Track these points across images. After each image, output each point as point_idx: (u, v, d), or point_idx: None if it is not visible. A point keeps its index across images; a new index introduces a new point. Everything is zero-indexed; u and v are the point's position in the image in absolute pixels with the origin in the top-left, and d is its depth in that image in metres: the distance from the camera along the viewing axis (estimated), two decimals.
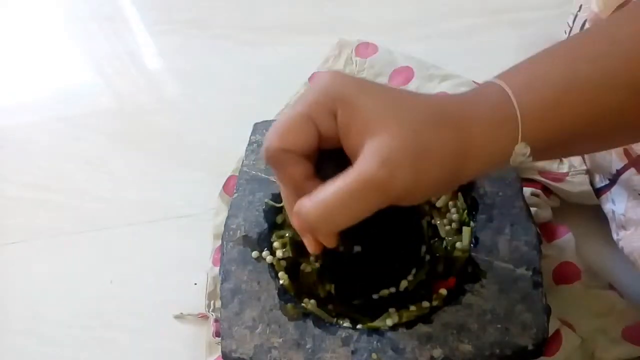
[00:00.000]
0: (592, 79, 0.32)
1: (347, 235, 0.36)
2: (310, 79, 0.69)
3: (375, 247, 0.44)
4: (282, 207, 0.51)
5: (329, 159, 0.35)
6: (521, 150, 0.32)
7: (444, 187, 0.34)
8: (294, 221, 0.35)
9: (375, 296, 0.47)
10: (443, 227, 0.49)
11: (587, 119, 0.33)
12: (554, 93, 0.32)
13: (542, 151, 0.33)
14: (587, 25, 0.52)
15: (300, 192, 0.34)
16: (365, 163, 0.30)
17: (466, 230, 0.47)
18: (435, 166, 0.31)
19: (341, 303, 0.47)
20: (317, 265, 0.48)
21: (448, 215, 0.49)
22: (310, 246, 0.38)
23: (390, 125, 0.31)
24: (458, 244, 0.47)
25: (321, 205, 0.31)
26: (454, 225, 0.48)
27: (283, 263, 0.48)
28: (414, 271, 0.47)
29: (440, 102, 0.34)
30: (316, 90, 0.33)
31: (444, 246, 0.48)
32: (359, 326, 0.44)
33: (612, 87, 0.32)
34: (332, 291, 0.48)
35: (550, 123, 0.32)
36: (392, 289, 0.47)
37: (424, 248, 0.48)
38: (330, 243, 0.36)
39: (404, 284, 0.47)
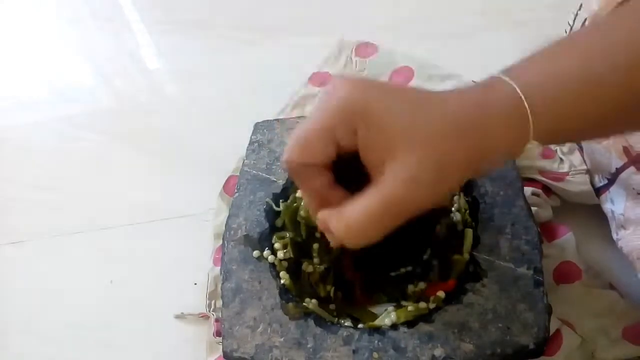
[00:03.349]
0: (607, 77, 0.32)
1: None
2: (310, 79, 0.69)
3: (386, 249, 0.42)
4: (281, 211, 0.51)
5: (345, 161, 0.35)
6: (531, 150, 0.35)
7: (458, 187, 0.37)
8: (320, 226, 0.36)
9: (393, 274, 0.48)
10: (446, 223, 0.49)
11: (600, 115, 0.33)
12: (567, 91, 0.32)
13: (549, 142, 0.36)
14: (587, 24, 0.52)
15: (323, 201, 0.35)
16: (389, 184, 0.32)
17: (468, 232, 0.47)
18: (455, 175, 0.33)
19: (342, 301, 0.47)
20: (322, 268, 0.48)
21: (450, 215, 0.49)
22: (333, 243, 0.39)
23: (413, 145, 0.32)
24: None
25: (352, 226, 0.33)
26: (458, 226, 0.48)
27: (284, 264, 0.48)
28: (429, 250, 0.48)
29: (456, 110, 0.33)
30: (337, 104, 0.33)
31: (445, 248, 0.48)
32: (360, 325, 0.44)
33: (628, 84, 0.32)
34: (332, 294, 0.48)
35: (562, 120, 0.33)
36: (410, 268, 0.48)
37: (438, 227, 0.48)
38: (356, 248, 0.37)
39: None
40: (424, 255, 0.48)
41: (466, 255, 0.46)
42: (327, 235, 0.36)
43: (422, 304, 0.45)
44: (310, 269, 0.48)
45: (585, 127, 0.34)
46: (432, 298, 0.45)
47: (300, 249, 0.49)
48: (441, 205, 0.38)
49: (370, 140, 0.33)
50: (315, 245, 0.49)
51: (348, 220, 0.33)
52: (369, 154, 0.33)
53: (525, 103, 0.32)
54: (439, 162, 0.32)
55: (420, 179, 0.32)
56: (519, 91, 0.32)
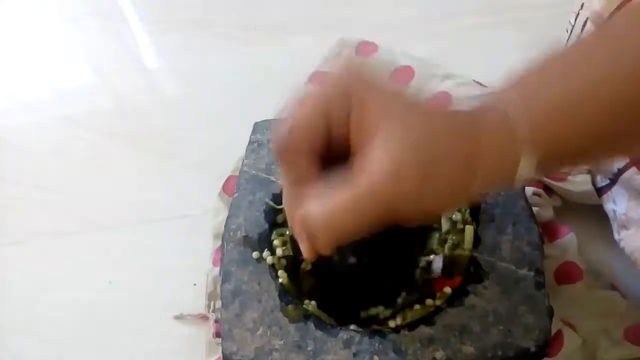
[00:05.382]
0: (604, 86, 0.31)
1: (344, 246, 0.36)
2: (310, 78, 0.69)
3: (370, 261, 0.43)
4: (282, 208, 0.50)
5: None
6: (525, 168, 0.31)
7: (450, 202, 0.34)
8: (295, 222, 0.34)
9: (362, 314, 0.46)
10: (446, 221, 0.49)
11: (599, 123, 0.31)
12: (565, 96, 0.31)
13: (551, 162, 0.33)
14: (588, 24, 0.52)
15: (303, 186, 0.33)
16: (373, 172, 0.30)
17: (469, 229, 0.47)
18: (443, 177, 0.31)
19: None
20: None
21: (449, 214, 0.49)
22: (306, 252, 0.36)
23: (402, 129, 0.30)
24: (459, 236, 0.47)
25: (328, 212, 0.31)
26: (458, 225, 0.48)
27: (283, 262, 0.48)
28: (404, 294, 0.46)
29: (452, 113, 0.33)
30: (334, 86, 0.33)
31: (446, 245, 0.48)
32: (354, 326, 0.44)
33: (629, 87, 0.31)
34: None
35: (558, 130, 0.31)
36: (380, 308, 0.46)
37: (417, 272, 0.46)
38: (327, 251, 0.35)
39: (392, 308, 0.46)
40: (397, 298, 0.46)
41: (467, 252, 0.46)
42: (298, 230, 0.34)
43: (429, 301, 0.45)
44: (309, 267, 0.48)
45: (588, 138, 0.32)
46: (438, 294, 0.45)
47: (299, 247, 0.49)
48: (425, 223, 0.35)
49: (361, 119, 0.32)
50: None
51: (325, 207, 0.31)
52: (359, 135, 0.32)
53: (510, 115, 0.31)
54: (427, 155, 0.30)
55: (406, 171, 0.29)
56: (506, 106, 0.32)
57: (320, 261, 0.40)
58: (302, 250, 0.37)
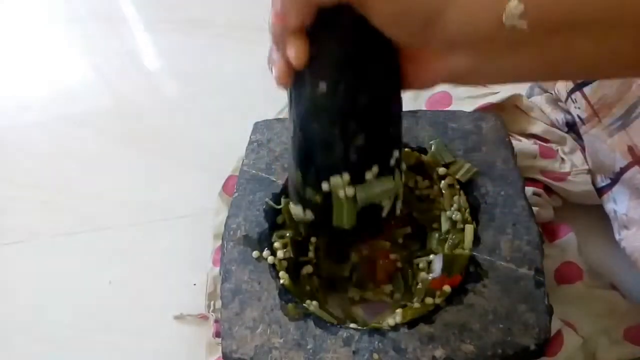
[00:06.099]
0: None
1: (315, 68, 0.35)
2: None
3: (342, 89, 0.36)
4: (282, 208, 0.50)
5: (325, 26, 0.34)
6: (514, 5, 0.30)
7: (420, 23, 0.32)
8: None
9: (324, 185, 0.37)
10: (446, 221, 0.49)
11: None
12: None
13: (536, 23, 0.31)
14: None
15: None
16: None
17: (469, 228, 0.47)
18: None
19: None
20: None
21: (449, 213, 0.49)
22: (279, 65, 0.37)
23: None
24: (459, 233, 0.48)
25: None
26: (458, 225, 0.48)
27: (284, 263, 0.48)
28: (375, 169, 0.37)
29: None
30: None
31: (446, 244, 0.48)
32: (354, 325, 0.44)
33: None
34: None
35: None
36: (346, 176, 0.36)
37: (396, 153, 0.38)
38: (299, 40, 0.34)
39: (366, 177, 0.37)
40: (367, 171, 0.37)
41: (467, 252, 0.46)
42: (275, 38, 0.35)
43: (429, 299, 0.44)
44: (310, 269, 0.48)
45: (576, 12, 0.31)
46: (437, 293, 0.45)
47: (300, 248, 0.49)
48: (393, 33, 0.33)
49: None
50: (313, 239, 0.49)
51: None
52: None
53: None
54: None
55: None
56: None
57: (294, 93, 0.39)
58: (275, 70, 0.38)
